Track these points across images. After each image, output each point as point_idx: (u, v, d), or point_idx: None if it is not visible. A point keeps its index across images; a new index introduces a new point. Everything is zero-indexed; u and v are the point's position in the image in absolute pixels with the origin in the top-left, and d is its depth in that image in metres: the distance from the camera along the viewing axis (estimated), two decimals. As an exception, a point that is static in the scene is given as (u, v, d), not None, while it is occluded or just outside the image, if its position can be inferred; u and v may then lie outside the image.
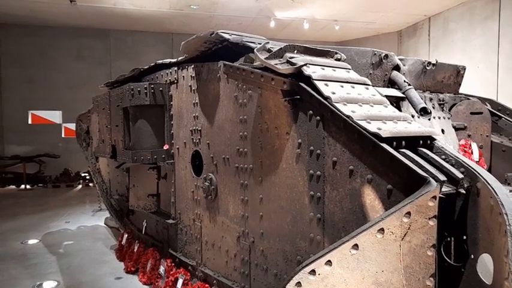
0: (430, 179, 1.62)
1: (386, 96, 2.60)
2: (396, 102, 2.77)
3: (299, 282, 1.55)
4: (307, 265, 1.57)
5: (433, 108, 3.07)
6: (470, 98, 3.41)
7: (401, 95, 2.64)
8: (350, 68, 2.52)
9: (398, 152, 1.86)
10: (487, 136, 3.22)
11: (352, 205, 1.99)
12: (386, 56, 2.65)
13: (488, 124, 3.23)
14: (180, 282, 3.52)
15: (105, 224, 6.07)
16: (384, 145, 1.81)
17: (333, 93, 2.12)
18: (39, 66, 12.27)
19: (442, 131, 3.02)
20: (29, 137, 12.12)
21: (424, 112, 2.55)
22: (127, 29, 12.47)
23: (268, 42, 2.52)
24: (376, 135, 1.83)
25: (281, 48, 2.36)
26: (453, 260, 1.99)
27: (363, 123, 1.91)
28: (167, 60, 3.88)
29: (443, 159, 2.03)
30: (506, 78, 9.19)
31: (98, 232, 6.32)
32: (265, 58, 2.33)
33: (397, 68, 2.78)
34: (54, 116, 12.73)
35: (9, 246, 5.63)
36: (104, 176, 6.09)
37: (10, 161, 11.41)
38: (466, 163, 1.93)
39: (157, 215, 4.24)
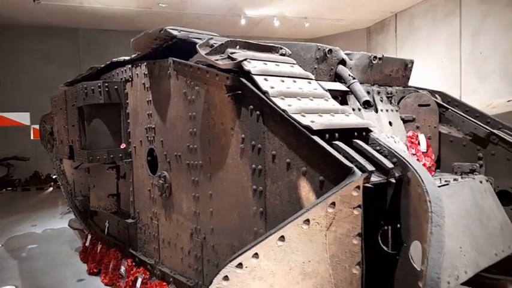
0: (355, 169, 1.66)
1: (332, 90, 2.65)
2: (342, 95, 2.82)
3: (226, 276, 1.57)
4: (234, 258, 1.58)
5: (381, 101, 3.14)
6: (419, 90, 3.50)
7: (345, 88, 2.68)
8: (294, 62, 2.55)
9: (331, 144, 1.89)
10: (434, 127, 3.31)
11: (290, 198, 2.02)
12: (330, 50, 2.69)
13: (436, 116, 3.33)
14: (139, 281, 3.50)
15: (69, 226, 5.95)
16: (315, 137, 1.84)
17: (272, 87, 2.13)
18: (6, 67, 11.90)
19: (390, 123, 3.10)
20: (-5, 140, 11.76)
21: (367, 105, 2.61)
22: (98, 27, 12.23)
23: (211, 38, 2.52)
24: (308, 128, 1.86)
25: (222, 43, 2.36)
26: (391, 248, 2.05)
27: (297, 117, 1.93)
28: (122, 58, 3.83)
29: (377, 150, 2.07)
30: (468, 72, 9.48)
31: (64, 235, 6.20)
32: (206, 54, 2.33)
33: (343, 62, 2.82)
34: (23, 118, 12.41)
35: (-31, 252, 5.45)
36: (68, 178, 5.96)
37: (-24, 164, 11.04)
38: (398, 153, 1.98)
39: (117, 215, 4.19)
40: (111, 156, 3.73)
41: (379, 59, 3.06)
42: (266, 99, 2.08)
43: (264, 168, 2.18)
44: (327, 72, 2.75)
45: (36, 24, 11.67)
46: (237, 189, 2.40)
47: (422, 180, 1.80)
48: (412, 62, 3.40)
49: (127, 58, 3.73)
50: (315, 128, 1.84)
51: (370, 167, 1.79)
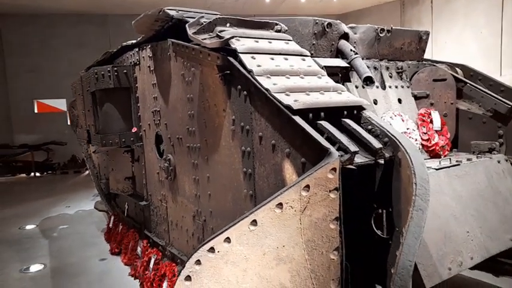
0: (331, 150, 1.56)
1: (331, 67, 2.52)
2: (345, 72, 2.67)
3: (198, 260, 1.54)
4: (206, 242, 1.55)
5: (390, 77, 2.95)
6: (436, 64, 3.26)
7: (345, 64, 2.53)
8: (290, 39, 2.44)
9: (316, 123, 1.80)
10: (451, 103, 3.08)
11: (276, 180, 1.95)
12: (329, 24, 2.54)
13: (453, 91, 3.09)
14: (152, 261, 3.59)
15: (95, 207, 6.20)
16: (296, 117, 1.75)
17: (259, 66, 2.05)
18: (42, 54, 12.41)
19: (399, 100, 2.91)
20: (36, 126, 12.40)
21: (368, 81, 2.46)
22: (126, 13, 12.41)
23: (202, 16, 2.45)
24: (288, 107, 1.77)
25: (211, 21, 2.28)
26: (385, 232, 1.95)
27: (280, 96, 1.85)
28: (130, 42, 3.84)
29: (369, 130, 1.96)
30: (509, 44, 8.77)
31: (93, 216, 6.48)
32: (193, 33, 2.26)
33: (345, 36, 2.67)
34: (60, 104, 12.99)
35: (7, 232, 5.83)
36: (94, 161, 6.18)
37: (19, 150, 11.72)
38: (389, 133, 1.85)
39: (133, 197, 4.30)
40: (123, 140, 3.80)
41: (388, 31, 2.86)
42: (251, 78, 1.99)
43: (252, 150, 2.12)
44: (327, 47, 2.61)
45: (66, 12, 12.01)
46: (230, 171, 2.36)
47: (411, 161, 1.67)
48: (427, 34, 3.15)
49: (135, 42, 3.73)
50: (295, 108, 1.75)
51: (353, 148, 1.68)
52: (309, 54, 2.34)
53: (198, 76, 2.61)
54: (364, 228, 1.95)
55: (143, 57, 3.56)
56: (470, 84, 3.03)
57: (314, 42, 2.52)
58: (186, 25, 2.39)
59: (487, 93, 2.94)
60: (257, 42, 2.27)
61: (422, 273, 1.95)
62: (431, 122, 2.90)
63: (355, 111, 1.99)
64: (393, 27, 2.89)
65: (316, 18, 2.52)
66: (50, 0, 10.76)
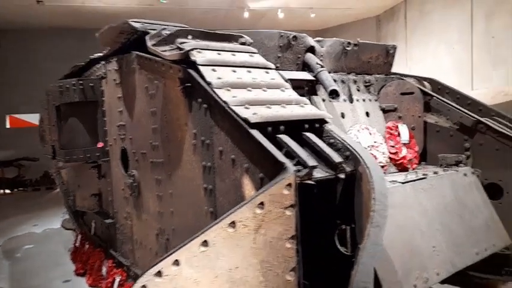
0: (287, 165, 1.50)
1: (296, 80, 2.49)
2: (311, 85, 2.64)
3: (144, 286, 1.44)
4: (153, 266, 1.45)
5: (358, 90, 2.94)
6: (404, 78, 3.28)
7: (311, 77, 2.51)
8: (255, 51, 2.40)
9: (275, 137, 1.74)
10: (419, 117, 3.09)
11: (236, 196, 1.87)
12: (295, 37, 2.51)
13: (420, 104, 3.10)
14: (116, 282, 3.43)
15: (62, 226, 5.96)
16: (253, 131, 1.68)
17: (219, 78, 1.99)
18: (17, 69, 12.10)
19: (367, 113, 2.90)
20: (7, 141, 11.99)
21: (334, 94, 2.43)
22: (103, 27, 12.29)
23: (164, 29, 2.38)
24: (246, 121, 1.71)
25: (172, 33, 2.22)
26: (349, 249, 1.89)
27: (239, 109, 1.78)
28: (97, 55, 3.74)
29: (330, 143, 1.91)
30: (480, 58, 9.04)
31: (62, 234, 6.21)
32: (153, 45, 2.20)
33: (311, 50, 2.64)
34: (34, 119, 12.61)
35: (-33, 253, 5.53)
36: (63, 177, 5.97)
37: (-13, 166, 11.29)
38: (350, 146, 1.81)
39: (99, 215, 4.13)
40: (88, 155, 3.66)
41: (355, 45, 2.86)
42: (211, 91, 1.93)
43: (213, 165, 2.04)
44: (293, 60, 2.58)
45: (43, 26, 11.79)
46: (192, 187, 2.27)
47: (370, 175, 1.63)
48: (394, 48, 3.17)
49: (101, 54, 3.64)
50: (252, 121, 1.69)
51: (312, 162, 1.63)
52: (274, 67, 2.30)
53: (161, 89, 2.53)
54: (328, 245, 1.89)
55: (109, 70, 3.46)
56: (437, 98, 3.05)
57: (279, 55, 2.49)
58: (146, 37, 2.32)
59: (453, 107, 2.96)
60: (219, 54, 2.21)
61: (386, 291, 1.89)
62: (398, 135, 2.89)
63: (317, 125, 1.95)
64: (360, 41, 2.90)
65: (282, 31, 2.49)
66: (25, 14, 10.55)
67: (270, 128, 1.76)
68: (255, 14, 11.88)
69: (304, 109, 1.98)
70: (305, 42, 2.59)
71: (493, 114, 3.21)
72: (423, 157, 3.16)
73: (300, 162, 1.64)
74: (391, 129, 2.87)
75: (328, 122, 1.98)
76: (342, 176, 1.73)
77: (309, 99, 2.62)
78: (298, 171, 1.63)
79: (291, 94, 2.11)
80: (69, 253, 5.15)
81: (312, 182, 1.62)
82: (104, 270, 3.82)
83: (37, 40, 12.17)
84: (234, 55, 2.27)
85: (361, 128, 2.70)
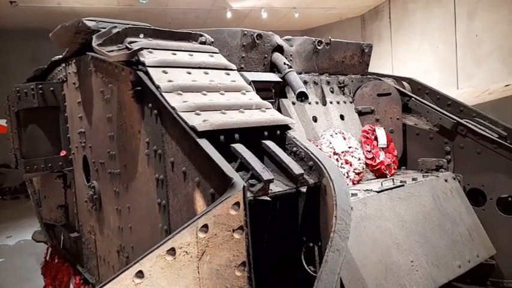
0: (235, 180, 1.30)
1: (263, 82, 2.30)
2: (281, 87, 2.45)
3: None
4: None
5: (332, 92, 2.76)
6: (382, 78, 3.11)
7: (278, 79, 2.32)
8: (216, 51, 2.20)
9: (229, 147, 1.55)
10: (397, 119, 2.92)
11: (189, 214, 1.67)
12: (259, 36, 2.32)
13: (398, 106, 2.94)
14: (81, 301, 3.19)
15: (32, 238, 5.67)
16: (200, 140, 1.48)
17: (170, 81, 1.79)
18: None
19: (342, 116, 2.72)
20: (-17, 148, 11.58)
21: (302, 97, 2.24)
22: (81, 29, 11.96)
23: (115, 27, 2.17)
24: (193, 129, 1.51)
25: (119, 31, 2.01)
26: (317, 268, 1.70)
27: (188, 115, 1.58)
28: (58, 57, 3.50)
29: (294, 152, 1.72)
30: (464, 56, 8.98)
31: (35, 247, 5.92)
32: (99, 44, 1.98)
33: (279, 49, 2.46)
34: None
35: None
36: (35, 186, 5.69)
37: (-37, 174, 10.89)
38: (314, 155, 1.62)
39: (66, 227, 3.88)
40: (49, 165, 3.42)
41: (326, 44, 2.68)
42: (159, 95, 1.73)
43: (165, 178, 1.83)
44: (259, 61, 2.39)
45: (19, 28, 11.44)
46: (148, 202, 2.06)
47: (334, 189, 1.44)
48: (370, 47, 3.00)
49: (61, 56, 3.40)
50: (200, 129, 1.49)
51: (267, 176, 1.43)
52: (235, 68, 2.11)
53: (115, 93, 2.32)
54: (295, 264, 1.70)
55: (69, 73, 3.23)
56: (415, 99, 2.88)
57: (243, 54, 2.30)
58: (93, 36, 2.10)
59: (432, 108, 2.79)
60: (174, 54, 2.01)
61: (357, 315, 1.71)
62: (375, 139, 2.72)
63: (278, 132, 1.76)
64: (332, 40, 2.72)
65: (245, 29, 2.30)
66: (2, 15, 10.20)
67: (222, 137, 1.56)
68: (238, 14, 11.69)
69: (265, 114, 1.79)
70: (271, 41, 2.40)
71: (474, 115, 3.06)
72: (403, 162, 2.99)
73: (254, 176, 1.45)
74: (368, 133, 2.69)
75: (291, 128, 1.79)
76: (304, 189, 1.54)
77: (277, 102, 2.44)
78: (252, 185, 1.44)
79: (252, 98, 1.92)
80: (40, 267, 4.89)
81: (268, 198, 1.43)
82: (72, 287, 3.58)
83: (11, 42, 11.80)
84: (191, 55, 2.07)
85: (335, 132, 2.52)
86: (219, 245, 1.26)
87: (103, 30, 2.42)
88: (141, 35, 2.07)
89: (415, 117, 3.09)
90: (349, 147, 2.52)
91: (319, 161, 1.59)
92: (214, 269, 1.27)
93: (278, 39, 2.45)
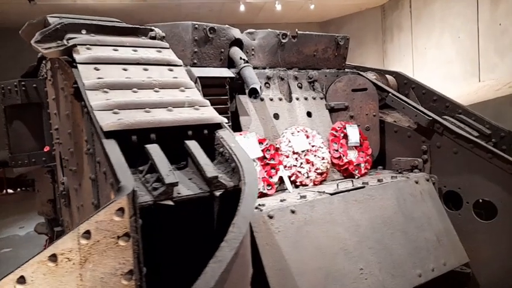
0: (122, 184, 1.23)
1: (216, 78, 2.21)
2: (241, 83, 2.35)
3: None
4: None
5: (300, 87, 2.62)
6: (362, 72, 2.94)
7: (231, 74, 2.22)
8: (166, 46, 2.13)
9: (143, 147, 1.48)
10: (374, 116, 2.76)
11: (110, 216, 1.62)
12: (212, 29, 2.23)
13: (375, 102, 2.77)
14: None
15: (34, 230, 5.85)
16: (107, 140, 1.43)
17: (99, 78, 1.74)
18: (13, 70, 12.15)
19: (309, 113, 2.59)
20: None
21: (255, 94, 2.14)
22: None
23: (61, 22, 2.14)
24: (101, 128, 1.45)
25: (58, 28, 1.98)
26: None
27: (103, 114, 1.53)
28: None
29: (221, 153, 1.64)
30: (487, 46, 8.47)
31: (42, 238, 6.12)
32: (37, 41, 1.96)
33: (237, 43, 2.36)
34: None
35: None
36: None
37: (-11, 166, 11.41)
38: (236, 157, 1.53)
39: (54, 221, 3.96)
40: (33, 160, 3.49)
41: (293, 37, 2.55)
42: (83, 92, 1.68)
43: (96, 178, 1.79)
44: (215, 55, 2.30)
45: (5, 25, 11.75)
46: (89, 202, 2.03)
47: (243, 193, 1.35)
48: (346, 39, 2.83)
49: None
50: (105, 129, 1.44)
51: (170, 179, 1.35)
52: (180, 64, 2.03)
53: (67, 90, 2.30)
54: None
55: (47, 69, 3.26)
56: (393, 94, 2.70)
57: (196, 49, 2.22)
58: (37, 32, 2.08)
59: (408, 104, 2.61)
60: (116, 50, 1.96)
61: (285, 327, 1.61)
62: (345, 137, 2.57)
63: (206, 131, 1.67)
64: (299, 32, 2.58)
65: (197, 22, 2.21)
66: (18, 15, 10.57)
67: (135, 137, 1.49)
68: (252, 8, 11.55)
69: (195, 112, 1.71)
70: (228, 35, 2.30)
71: (460, 111, 2.84)
72: (381, 161, 2.82)
73: (159, 179, 1.38)
74: (336, 131, 2.55)
75: (222, 127, 1.70)
76: (218, 192, 1.45)
77: (234, 99, 2.35)
78: (155, 189, 1.37)
79: (190, 95, 1.84)
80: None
81: (171, 203, 1.35)
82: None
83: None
84: (135, 51, 2.01)
85: (297, 130, 2.39)
86: (103, 253, 1.20)
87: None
88: (83, 31, 2.03)
89: (400, 113, 2.91)
90: (312, 146, 2.39)
91: (239, 162, 1.50)
92: (98, 277, 1.21)
93: (236, 33, 2.35)
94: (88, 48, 1.90)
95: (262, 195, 2.12)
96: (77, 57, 1.80)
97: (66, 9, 10.38)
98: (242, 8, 11.14)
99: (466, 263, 2.39)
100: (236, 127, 2.30)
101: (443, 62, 9.60)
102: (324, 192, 2.07)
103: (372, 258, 1.97)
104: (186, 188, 1.46)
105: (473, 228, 2.39)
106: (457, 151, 2.41)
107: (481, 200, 2.43)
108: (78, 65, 1.77)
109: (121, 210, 1.20)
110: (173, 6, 10.99)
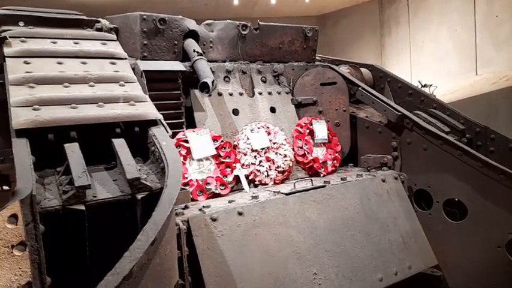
0: (17, 188, 1.12)
1: (167, 72, 2.10)
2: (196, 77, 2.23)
3: None
4: None
5: (264, 81, 2.50)
6: (334, 65, 2.80)
7: (182, 68, 2.10)
8: (112, 39, 2.02)
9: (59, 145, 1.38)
10: (344, 111, 2.63)
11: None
12: (162, 20, 2.11)
13: (345, 96, 2.64)
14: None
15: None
16: (16, 140, 1.32)
17: (27, 72, 1.63)
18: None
19: (272, 109, 2.46)
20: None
21: (204, 88, 2.02)
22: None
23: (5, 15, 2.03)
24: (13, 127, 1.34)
25: (-10, 19, 1.87)
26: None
27: (19, 111, 1.42)
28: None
29: (152, 152, 1.52)
30: (484, 40, 8.27)
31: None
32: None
33: (192, 34, 2.23)
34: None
35: None
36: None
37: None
38: (164, 157, 1.42)
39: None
40: (1, 158, 3.40)
41: (255, 29, 2.42)
42: (7, 87, 1.58)
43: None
44: (167, 48, 2.18)
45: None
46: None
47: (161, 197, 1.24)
48: (314, 30, 2.69)
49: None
50: (15, 127, 1.33)
51: (81, 181, 1.24)
52: (125, 57, 1.91)
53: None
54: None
55: (12, 65, 3.16)
56: (363, 88, 2.57)
57: (145, 42, 2.10)
58: (-26, 25, 1.97)
59: (378, 99, 2.47)
60: (54, 43, 1.85)
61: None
62: (310, 133, 2.44)
63: (137, 128, 1.56)
64: (262, 23, 2.45)
65: (145, 13, 2.09)
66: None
67: (51, 135, 1.38)
68: (247, 1, 11.39)
69: (130, 108, 1.59)
70: (181, 26, 2.18)
71: (434, 105, 2.71)
72: (352, 158, 2.69)
73: (71, 181, 1.26)
74: (301, 127, 2.42)
75: (157, 124, 1.59)
76: (140, 196, 1.33)
77: (188, 94, 2.23)
78: (65, 192, 1.26)
79: (128, 90, 1.72)
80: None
81: (81, 208, 1.24)
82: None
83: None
84: (76, 43, 1.90)
85: (257, 126, 2.27)
86: (-4, 263, 1.09)
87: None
88: (21, 23, 1.92)
89: (369, 109, 2.78)
90: (274, 144, 2.26)
91: (166, 162, 1.39)
92: (-7, 290, 1.10)
93: (191, 24, 2.22)
94: (23, 41, 1.79)
95: (214, 195, 2.01)
96: (6, 50, 1.68)
97: (60, 5, 10.29)
98: (236, 1, 10.98)
99: (436, 265, 2.27)
100: (191, 123, 2.19)
101: (441, 55, 9.40)
102: (279, 192, 1.95)
103: (328, 261, 1.85)
104: (106, 190, 1.35)
105: (443, 228, 2.25)
106: (427, 148, 2.28)
107: (456, 199, 2.30)
108: (6, 58, 1.66)
109: (14, 216, 1.09)
110: (168, 0, 10.86)
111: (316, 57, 3.09)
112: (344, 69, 2.91)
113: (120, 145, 1.45)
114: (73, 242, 1.30)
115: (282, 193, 1.94)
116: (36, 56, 1.73)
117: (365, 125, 2.63)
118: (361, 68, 3.01)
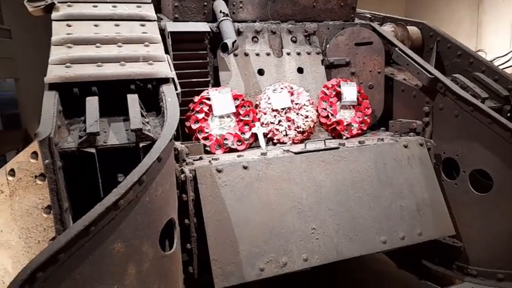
0: (38, 131, 1.39)
1: (193, 33, 2.25)
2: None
3: None
4: None
5: (294, 42, 2.51)
6: (375, 23, 2.68)
7: (205, 29, 2.22)
8: (148, 2, 2.21)
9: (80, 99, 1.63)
10: (378, 72, 2.54)
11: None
12: (192, -18, 2.22)
13: (380, 57, 2.54)
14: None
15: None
16: (48, 92, 1.59)
17: (68, 34, 1.90)
18: None
19: (300, 69, 2.48)
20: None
21: (225, 49, 2.13)
22: None
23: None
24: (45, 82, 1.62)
25: (47, -13, 2.15)
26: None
27: (53, 68, 1.69)
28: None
29: (160, 107, 1.72)
30: None
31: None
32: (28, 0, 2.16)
33: (222, -5, 2.32)
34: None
35: None
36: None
37: None
38: (166, 111, 1.61)
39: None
40: None
41: (286, -13, 2.41)
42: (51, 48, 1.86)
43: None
44: (197, 9, 2.31)
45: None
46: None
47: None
48: (353, -14, 2.58)
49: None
50: (46, 82, 1.60)
51: (93, 129, 1.49)
52: (154, 19, 2.09)
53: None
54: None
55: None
56: (399, 49, 2.44)
57: (176, 3, 2.25)
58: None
59: (412, 60, 2.34)
60: (95, 7, 2.09)
61: (214, 272, 1.71)
62: (336, 95, 2.43)
63: (150, 85, 1.75)
64: (291, -18, 2.43)
65: (176, -24, 2.22)
66: None
67: (76, 89, 1.64)
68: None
69: (146, 67, 1.79)
70: (211, -13, 2.27)
71: (483, 68, 2.47)
72: (386, 122, 2.62)
73: (82, 129, 1.52)
74: (327, 89, 2.41)
75: (169, 82, 1.77)
76: (142, 144, 1.55)
77: (214, 54, 2.35)
78: (80, 137, 1.52)
79: (151, 50, 1.91)
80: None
81: (91, 151, 1.49)
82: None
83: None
84: (114, 7, 2.12)
85: (281, 87, 2.33)
86: (25, 188, 1.40)
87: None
88: (71, -11, 2.19)
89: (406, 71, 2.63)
90: (296, 104, 2.31)
91: (166, 117, 1.57)
92: (25, 209, 1.42)
93: (221, -15, 2.31)
94: (69, 6, 2.05)
95: (231, 150, 2.16)
96: (53, 14, 1.96)
97: None
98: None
99: (457, 236, 2.19)
100: (218, 82, 2.33)
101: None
102: (288, 150, 2.04)
103: (330, 219, 1.92)
104: (116, 138, 1.58)
105: (468, 199, 2.14)
106: (458, 114, 2.12)
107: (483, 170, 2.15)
108: (52, 22, 1.94)
109: (35, 153, 1.37)
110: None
111: (365, 15, 2.97)
112: (388, 28, 2.76)
113: (132, 99, 1.66)
114: (89, 179, 1.57)
115: (292, 151, 2.03)
116: (77, 19, 1.98)
117: (401, 88, 2.53)
118: (409, 27, 2.82)
